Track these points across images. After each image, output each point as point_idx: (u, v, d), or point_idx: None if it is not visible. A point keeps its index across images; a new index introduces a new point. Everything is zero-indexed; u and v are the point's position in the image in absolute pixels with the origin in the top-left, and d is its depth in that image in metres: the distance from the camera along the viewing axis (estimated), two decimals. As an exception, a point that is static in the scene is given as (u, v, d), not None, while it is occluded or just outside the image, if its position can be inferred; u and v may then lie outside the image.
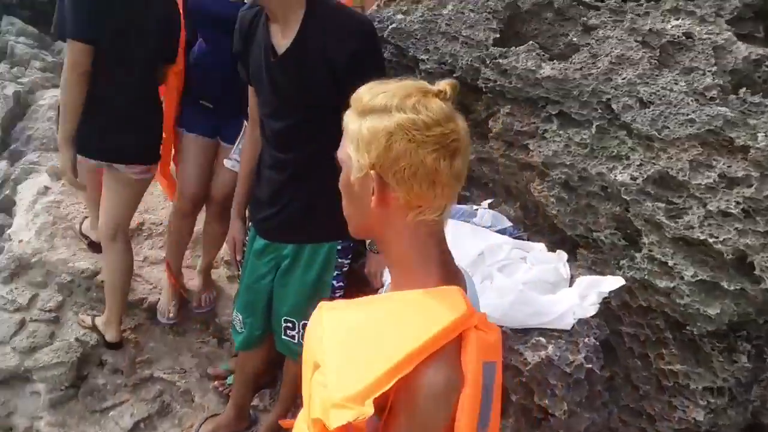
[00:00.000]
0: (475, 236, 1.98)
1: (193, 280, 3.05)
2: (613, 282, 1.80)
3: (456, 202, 0.99)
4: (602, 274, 1.87)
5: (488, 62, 2.14)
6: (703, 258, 1.60)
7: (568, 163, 1.89)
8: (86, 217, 3.19)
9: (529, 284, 1.86)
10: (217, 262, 3.12)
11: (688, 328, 1.66)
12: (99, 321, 2.79)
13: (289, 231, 2.08)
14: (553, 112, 2.00)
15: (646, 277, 1.70)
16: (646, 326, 1.79)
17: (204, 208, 2.82)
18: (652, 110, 1.74)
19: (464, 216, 2.16)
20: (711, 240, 1.53)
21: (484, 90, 2.18)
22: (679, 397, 1.75)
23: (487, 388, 0.92)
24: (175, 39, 2.48)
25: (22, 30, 5.22)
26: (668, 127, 1.69)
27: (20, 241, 3.06)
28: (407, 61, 2.38)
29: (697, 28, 1.77)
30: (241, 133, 2.47)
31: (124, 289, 2.71)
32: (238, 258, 2.31)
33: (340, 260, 2.12)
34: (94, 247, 3.03)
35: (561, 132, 1.95)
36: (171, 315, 2.92)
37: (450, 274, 1.00)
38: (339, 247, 2.09)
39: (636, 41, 1.99)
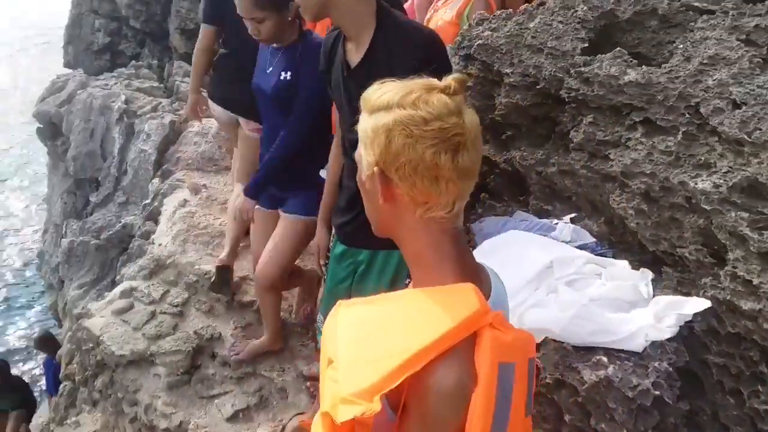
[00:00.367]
0: (544, 247, 1.89)
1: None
2: (697, 304, 1.61)
3: (467, 199, 0.94)
4: (688, 295, 1.68)
5: (572, 72, 2.07)
6: (795, 276, 1.37)
7: (648, 171, 1.75)
8: None
9: (601, 301, 1.73)
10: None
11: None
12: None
13: (364, 237, 2.15)
14: (638, 120, 1.87)
15: (729, 297, 1.50)
16: (738, 357, 1.57)
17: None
18: (744, 111, 1.56)
19: (542, 230, 2.08)
20: (802, 254, 1.31)
21: (567, 100, 2.10)
22: (777, 442, 1.49)
23: (504, 390, 0.88)
24: None
25: (188, 72, 6.06)
26: (760, 129, 1.49)
27: (160, 244, 3.52)
28: (492, 76, 2.38)
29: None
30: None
31: None
32: (322, 263, 2.44)
33: (413, 269, 2.14)
34: None
35: (644, 140, 1.81)
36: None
37: (467, 271, 0.97)
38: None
39: (738, 39, 1.81)
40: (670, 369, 1.54)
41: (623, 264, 1.89)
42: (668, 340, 1.59)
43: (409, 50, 1.82)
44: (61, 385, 4.00)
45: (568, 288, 1.77)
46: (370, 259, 2.16)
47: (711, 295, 1.55)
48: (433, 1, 3.12)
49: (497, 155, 2.42)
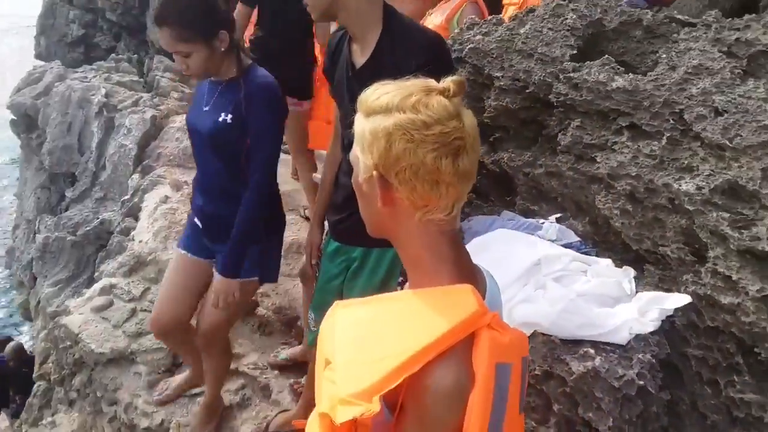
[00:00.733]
0: (531, 245, 1.96)
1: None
2: (678, 299, 1.70)
3: (466, 200, 0.95)
4: (669, 291, 1.77)
5: (561, 77, 2.15)
6: (772, 273, 1.46)
7: (633, 174, 1.83)
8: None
9: (587, 296, 1.80)
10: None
11: (756, 349, 1.51)
12: None
13: (358, 234, 2.16)
14: (624, 124, 1.95)
15: (709, 292, 1.58)
16: (715, 349, 1.65)
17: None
18: (725, 118, 1.65)
19: (529, 229, 2.15)
20: (779, 252, 1.40)
21: (555, 104, 2.18)
22: (751, 430, 1.58)
23: (501, 390, 0.88)
24: None
25: (168, 67, 6.01)
26: (741, 135, 1.59)
27: (140, 241, 3.48)
28: (483, 79, 2.44)
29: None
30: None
31: None
32: (314, 262, 2.45)
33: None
34: None
35: (630, 144, 1.89)
36: None
37: (464, 272, 0.97)
38: (405, 256, 2.15)
39: (720, 51, 1.91)
40: (653, 360, 1.61)
41: (607, 262, 1.97)
42: (651, 333, 1.67)
43: (414, 52, 1.86)
44: (35, 385, 3.91)
45: (555, 284, 1.84)
46: (364, 256, 2.19)
47: (692, 290, 1.63)
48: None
49: (485, 156, 2.48)
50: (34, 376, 3.99)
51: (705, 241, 1.63)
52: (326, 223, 2.53)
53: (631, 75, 1.94)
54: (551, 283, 1.84)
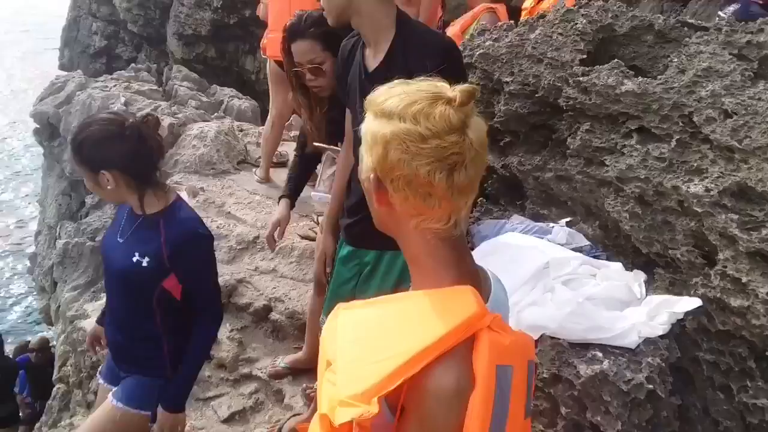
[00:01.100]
0: (540, 249, 1.96)
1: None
2: (688, 303, 1.68)
3: (470, 212, 0.95)
4: (680, 295, 1.75)
5: (570, 81, 2.15)
6: (783, 275, 1.44)
7: (642, 177, 1.82)
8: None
9: (596, 300, 1.79)
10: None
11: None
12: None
13: (371, 237, 2.16)
14: (633, 128, 1.95)
15: (719, 295, 1.56)
16: (727, 354, 1.63)
17: None
18: (735, 120, 1.64)
19: (538, 233, 2.14)
20: (789, 254, 1.38)
21: (565, 108, 2.18)
22: (764, 437, 1.56)
23: (502, 392, 0.87)
24: None
25: (186, 76, 6.11)
26: (750, 137, 1.57)
27: (157, 245, 3.54)
28: (493, 84, 2.46)
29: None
30: (323, 165, 2.67)
31: None
32: (328, 270, 2.46)
33: (418, 271, 2.19)
34: None
35: (639, 147, 1.89)
36: None
37: (465, 275, 0.96)
38: (418, 259, 2.16)
39: (731, 54, 1.90)
40: (663, 365, 1.60)
41: (617, 266, 1.96)
42: (660, 337, 1.66)
43: (427, 57, 1.86)
44: (54, 388, 3.98)
45: (564, 287, 1.83)
46: (376, 260, 2.19)
47: (702, 293, 1.61)
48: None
49: (495, 161, 2.49)
50: (53, 378, 4.06)
51: (714, 244, 1.61)
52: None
53: (640, 78, 1.93)
54: (559, 286, 1.84)
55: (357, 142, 2.31)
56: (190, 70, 6.65)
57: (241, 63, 9.17)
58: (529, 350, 0.96)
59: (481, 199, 2.56)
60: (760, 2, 2.80)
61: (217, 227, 3.76)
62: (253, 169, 4.39)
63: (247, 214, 3.94)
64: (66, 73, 6.87)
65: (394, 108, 0.89)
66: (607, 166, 1.95)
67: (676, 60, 2.05)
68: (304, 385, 2.98)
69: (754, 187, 1.52)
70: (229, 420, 2.91)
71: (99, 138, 1.73)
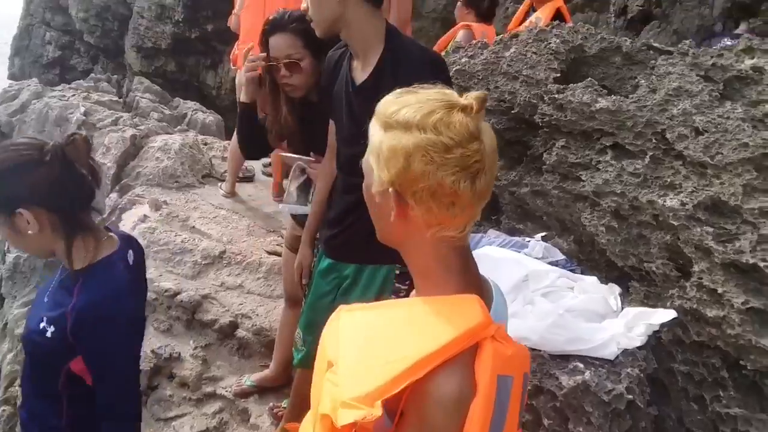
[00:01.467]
0: (518, 262, 1.97)
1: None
2: (664, 315, 1.72)
3: (479, 217, 0.96)
4: (655, 307, 1.79)
5: (545, 98, 2.20)
6: (756, 285, 1.50)
7: (618, 191, 1.87)
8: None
9: (575, 312, 1.81)
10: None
11: (742, 362, 1.53)
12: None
13: (352, 251, 2.16)
14: (608, 144, 2.00)
15: (695, 306, 1.61)
16: (701, 365, 1.67)
17: None
18: (706, 137, 1.70)
19: (515, 247, 2.16)
20: (762, 264, 1.43)
21: (540, 125, 2.22)
22: (738, 445, 1.59)
23: (501, 402, 0.88)
24: None
25: (148, 88, 5.97)
26: (722, 153, 1.64)
27: (117, 259, 3.40)
28: (469, 100, 2.49)
29: None
30: (291, 177, 2.63)
31: None
32: (304, 282, 2.41)
33: (397, 285, 2.16)
34: None
35: (614, 162, 1.94)
36: None
37: (471, 283, 0.97)
38: (398, 272, 2.13)
39: (698, 75, 1.98)
40: (641, 375, 1.62)
41: (593, 279, 1.99)
42: (638, 348, 1.68)
43: (415, 72, 1.86)
44: None
45: (543, 299, 1.85)
46: (356, 273, 2.15)
47: (678, 305, 1.66)
48: None
49: (470, 176, 2.51)
50: None
51: (690, 256, 1.66)
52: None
53: (614, 96, 2.00)
54: (539, 298, 1.85)
55: (345, 159, 2.26)
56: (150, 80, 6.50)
57: (202, 78, 9.04)
58: (526, 362, 0.97)
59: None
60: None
61: (182, 241, 3.64)
62: (219, 184, 4.29)
63: (213, 229, 3.83)
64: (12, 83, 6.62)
65: (411, 118, 0.88)
66: (583, 181, 2.00)
67: (644, 81, 2.12)
68: (271, 404, 2.89)
69: (727, 201, 1.57)
70: (191, 441, 2.79)
71: (11, 167, 1.34)
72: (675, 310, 1.66)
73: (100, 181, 1.47)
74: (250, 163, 4.55)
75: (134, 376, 1.53)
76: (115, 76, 6.87)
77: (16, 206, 1.34)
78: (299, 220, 2.61)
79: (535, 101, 2.23)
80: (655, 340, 1.72)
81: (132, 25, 8.97)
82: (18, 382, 3.54)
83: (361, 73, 1.91)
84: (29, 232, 1.36)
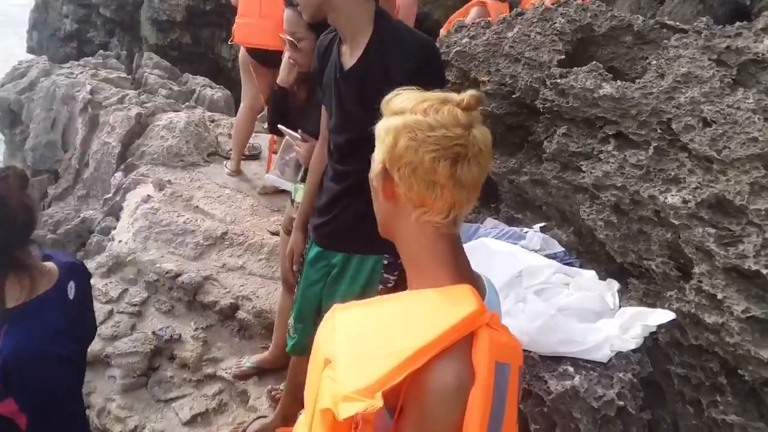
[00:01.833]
0: (513, 256, 1.90)
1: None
2: (662, 316, 1.64)
3: (469, 211, 0.97)
4: (653, 306, 1.71)
5: (548, 83, 2.09)
6: (758, 292, 1.40)
7: (619, 184, 1.77)
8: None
9: (568, 311, 1.74)
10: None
11: (740, 371, 1.45)
12: None
13: (340, 239, 2.13)
14: (610, 133, 1.89)
15: (693, 310, 1.52)
16: (698, 368, 1.59)
17: None
18: (714, 129, 1.59)
19: (512, 238, 2.09)
20: (765, 271, 1.34)
21: (542, 111, 2.12)
22: (734, 454, 1.52)
23: (500, 389, 0.89)
24: None
25: (157, 64, 5.92)
26: (729, 147, 1.53)
27: (120, 241, 3.40)
28: (469, 83, 2.38)
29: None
30: (281, 149, 2.58)
31: None
32: (295, 268, 2.39)
33: (385, 275, 2.12)
34: None
35: (616, 153, 1.83)
36: None
37: (463, 275, 0.99)
38: (386, 262, 2.09)
39: (710, 59, 1.85)
40: (635, 380, 1.55)
41: (591, 274, 1.91)
42: (633, 350, 1.61)
43: (404, 56, 1.80)
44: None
45: (536, 297, 1.78)
46: (344, 262, 2.13)
47: (676, 307, 1.57)
48: None
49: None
50: None
51: (690, 257, 1.57)
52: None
53: (618, 82, 1.88)
54: (531, 296, 1.78)
55: (334, 147, 2.20)
56: (164, 56, 6.45)
57: (217, 50, 8.95)
58: (520, 354, 0.97)
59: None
60: None
61: (184, 222, 3.63)
62: (224, 162, 4.25)
63: (216, 209, 3.81)
64: (31, 57, 6.62)
65: (406, 105, 0.95)
66: (584, 171, 1.90)
67: (654, 63, 2.00)
68: (270, 386, 2.89)
69: (732, 200, 1.47)
70: (191, 422, 2.81)
71: None
72: (674, 312, 1.58)
73: (35, 219, 1.41)
74: (256, 140, 4.49)
75: (73, 415, 1.46)
76: (127, 51, 6.83)
77: None
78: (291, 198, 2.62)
79: (536, 86, 2.11)
80: (652, 342, 1.64)
81: (146, -2, 8.88)
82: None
83: (349, 58, 1.84)
84: None
